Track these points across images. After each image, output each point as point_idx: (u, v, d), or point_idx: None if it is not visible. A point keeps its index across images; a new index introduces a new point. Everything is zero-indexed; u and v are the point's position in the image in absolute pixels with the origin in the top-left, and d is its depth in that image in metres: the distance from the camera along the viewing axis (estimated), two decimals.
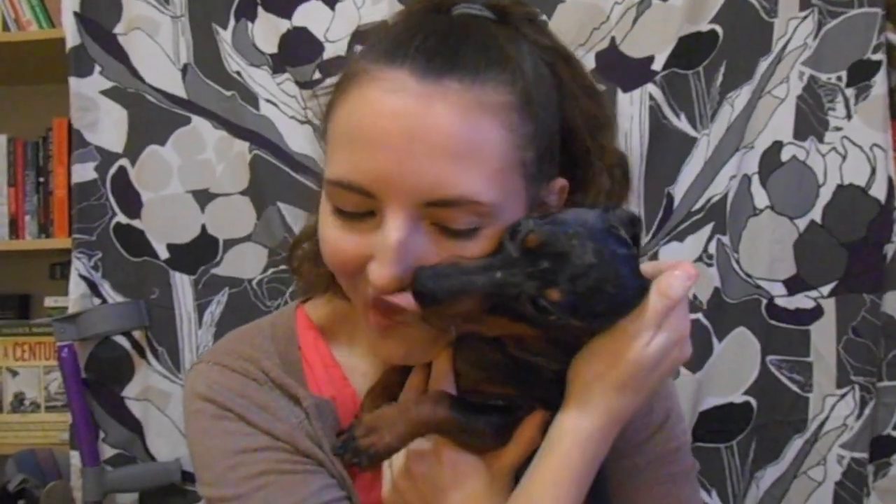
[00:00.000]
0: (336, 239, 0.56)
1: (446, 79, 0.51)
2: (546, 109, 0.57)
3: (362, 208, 0.54)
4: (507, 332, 0.54)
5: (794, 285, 1.17)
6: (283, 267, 1.22)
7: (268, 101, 1.24)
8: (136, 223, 1.26)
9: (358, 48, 0.64)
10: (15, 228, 1.41)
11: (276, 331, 0.68)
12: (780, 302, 1.17)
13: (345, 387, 0.67)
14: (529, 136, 0.54)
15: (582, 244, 0.50)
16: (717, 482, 1.17)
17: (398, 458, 0.61)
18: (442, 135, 0.51)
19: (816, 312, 1.17)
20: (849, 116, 1.17)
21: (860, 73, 1.16)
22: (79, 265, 1.25)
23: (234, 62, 1.25)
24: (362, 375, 0.66)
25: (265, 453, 0.62)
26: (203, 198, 1.26)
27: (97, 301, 1.25)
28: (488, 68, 0.53)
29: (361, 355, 0.67)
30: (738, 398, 1.17)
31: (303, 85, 1.23)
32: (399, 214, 0.52)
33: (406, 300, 0.53)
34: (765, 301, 1.18)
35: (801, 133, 1.17)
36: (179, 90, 1.26)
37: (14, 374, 1.37)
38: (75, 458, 1.22)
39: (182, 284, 1.25)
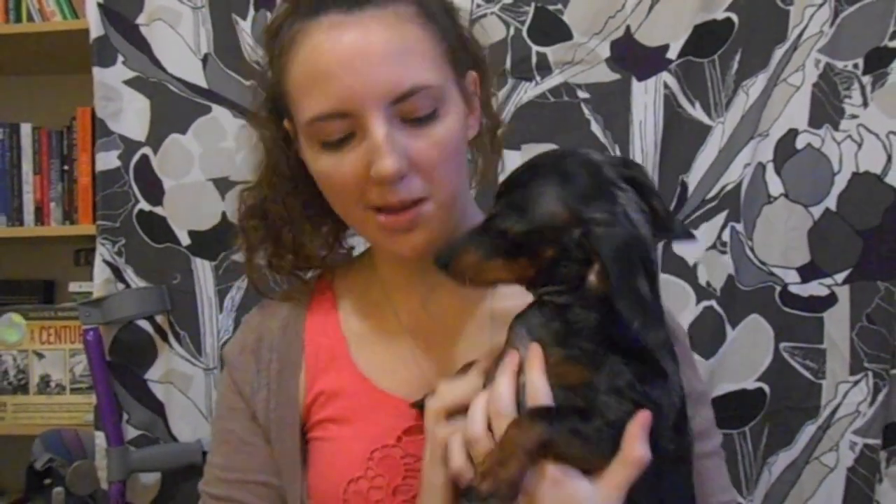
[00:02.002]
0: (332, 168, 0.66)
1: (367, 8, 0.65)
2: (446, 14, 0.71)
3: (345, 132, 0.64)
4: (512, 273, 0.60)
5: (808, 273, 1.17)
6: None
7: None
8: (158, 210, 1.29)
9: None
10: (40, 215, 1.44)
11: (291, 305, 0.78)
12: (793, 289, 1.18)
13: (346, 366, 0.74)
14: (439, 33, 0.68)
15: (524, 168, 0.60)
16: (729, 467, 1.13)
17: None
18: (382, 46, 0.64)
19: (830, 300, 1.17)
20: (865, 104, 1.17)
21: (876, 61, 1.16)
22: (103, 251, 1.28)
23: (253, 52, 1.27)
24: (367, 354, 0.74)
25: (236, 414, 0.75)
26: (223, 185, 1.28)
27: (121, 286, 1.28)
28: None
29: (362, 318, 0.76)
30: (751, 384, 1.17)
31: None
32: (376, 116, 0.63)
33: (411, 186, 0.64)
34: (778, 288, 1.18)
35: (816, 121, 1.17)
36: (200, 80, 1.28)
37: (40, 356, 1.40)
38: (100, 438, 1.25)
39: (203, 270, 1.28)
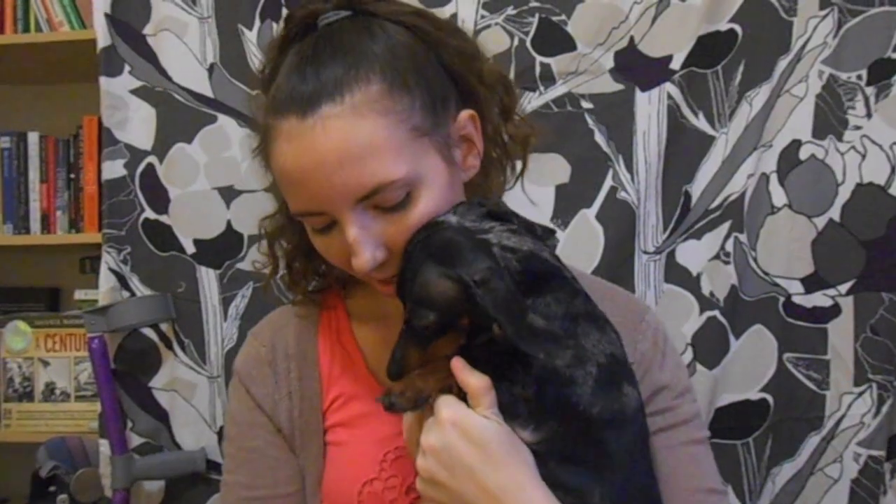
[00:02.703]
0: (323, 248, 0.70)
1: (322, 107, 0.64)
2: (419, 70, 0.68)
3: (326, 222, 0.67)
4: (454, 343, 0.65)
5: (811, 283, 1.17)
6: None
7: None
8: (163, 219, 1.29)
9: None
10: (46, 223, 1.45)
11: (303, 314, 0.81)
12: (797, 300, 1.18)
13: (360, 370, 0.77)
14: (408, 107, 0.66)
15: (405, 263, 0.65)
16: (732, 478, 1.18)
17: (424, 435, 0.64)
18: (339, 150, 0.63)
19: (834, 311, 1.17)
20: (868, 115, 1.17)
21: (880, 72, 1.16)
22: (108, 259, 1.28)
23: (259, 62, 1.28)
24: (371, 345, 0.78)
25: (257, 430, 0.77)
26: (228, 194, 1.29)
27: (126, 294, 1.28)
28: (348, 75, 0.65)
29: (373, 327, 0.79)
30: (755, 395, 1.17)
31: None
32: (347, 217, 0.65)
33: (389, 267, 0.67)
34: (782, 299, 1.18)
35: (819, 132, 1.17)
36: (206, 89, 1.29)
37: (45, 364, 1.41)
38: (104, 446, 1.25)
39: (208, 278, 1.29)
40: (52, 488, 1.28)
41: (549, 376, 0.62)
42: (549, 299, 0.63)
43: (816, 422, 1.17)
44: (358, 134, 0.63)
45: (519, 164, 0.81)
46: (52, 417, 1.39)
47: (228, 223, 1.29)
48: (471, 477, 0.61)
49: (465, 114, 0.71)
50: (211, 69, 1.29)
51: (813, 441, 1.17)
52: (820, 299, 1.17)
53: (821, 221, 1.17)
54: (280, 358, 0.78)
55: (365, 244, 0.65)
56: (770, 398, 1.17)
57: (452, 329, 0.65)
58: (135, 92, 1.29)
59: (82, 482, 1.25)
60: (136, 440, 1.28)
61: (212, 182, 1.29)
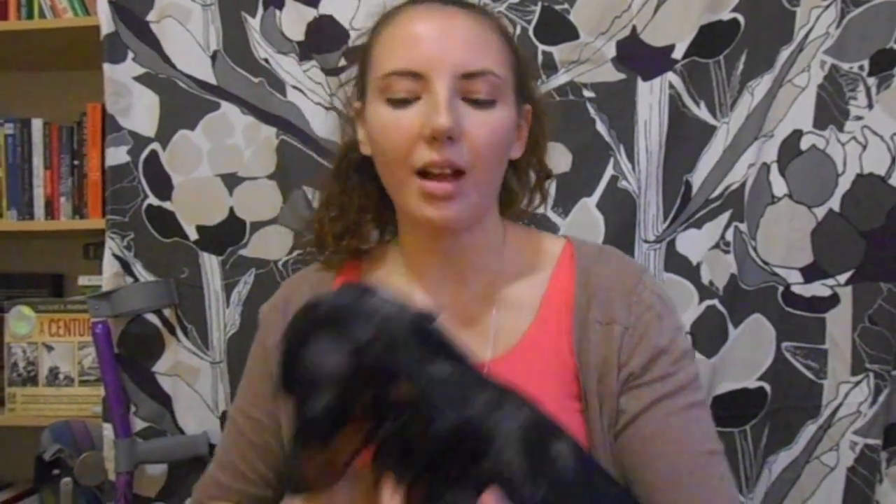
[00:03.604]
0: (391, 122, 0.74)
1: (459, 8, 0.77)
2: (513, 53, 0.80)
3: (410, 94, 0.73)
4: (358, 434, 0.57)
5: (810, 273, 1.18)
6: (308, 249, 1.25)
7: (294, 87, 1.27)
8: (166, 205, 1.30)
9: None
10: (50, 210, 1.46)
11: (319, 278, 0.88)
12: (796, 289, 1.18)
13: None
14: (511, 56, 0.79)
15: (284, 357, 0.61)
16: (729, 466, 1.18)
17: None
18: (465, 32, 0.75)
19: (833, 300, 1.17)
20: (870, 106, 1.17)
21: (882, 63, 1.16)
22: (112, 245, 1.29)
23: (262, 49, 1.28)
24: None
25: (264, 380, 0.84)
26: (231, 181, 1.29)
27: (129, 280, 1.29)
28: (483, 12, 0.81)
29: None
30: (753, 384, 1.18)
31: (328, 72, 1.26)
32: (443, 83, 0.72)
33: (457, 152, 0.72)
34: (781, 288, 1.18)
35: (821, 122, 1.17)
36: (209, 76, 1.29)
37: (49, 349, 1.42)
38: (108, 430, 1.26)
39: (210, 265, 1.29)
40: (55, 471, 1.29)
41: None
42: (446, 364, 0.58)
43: (813, 410, 1.17)
44: (485, 32, 0.76)
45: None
46: (56, 401, 1.41)
47: (231, 210, 1.29)
48: None
49: (527, 107, 0.83)
50: (214, 56, 1.29)
51: (810, 429, 1.17)
52: (819, 289, 1.18)
53: (821, 211, 1.18)
54: (291, 308, 0.80)
55: (452, 108, 0.71)
56: (768, 387, 1.18)
57: (352, 415, 0.56)
58: (138, 79, 1.30)
59: (86, 465, 1.27)
60: (139, 424, 1.29)
61: (214, 169, 1.29)
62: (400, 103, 0.73)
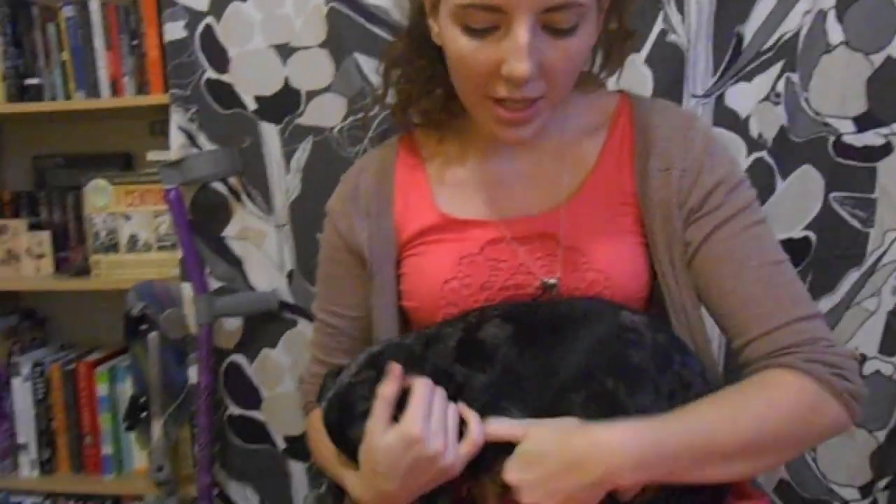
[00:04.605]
0: (469, 52, 0.72)
1: None
2: None
3: (489, 24, 0.70)
4: None
5: (864, 122, 1.17)
6: (361, 115, 1.30)
7: None
8: (224, 77, 1.35)
9: None
10: (115, 89, 1.52)
11: (381, 158, 0.91)
12: (847, 139, 1.18)
13: (430, 208, 0.86)
14: None
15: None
16: None
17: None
18: None
19: (886, 149, 1.17)
20: None
21: None
22: (177, 118, 1.36)
23: None
24: (448, 197, 0.86)
25: (338, 261, 0.91)
26: (284, 51, 1.32)
27: (195, 151, 1.36)
28: None
29: (450, 182, 0.87)
30: (798, 233, 1.20)
31: None
32: (524, 21, 0.68)
33: (534, 88, 0.71)
34: (832, 138, 1.18)
35: None
36: None
37: (127, 218, 1.52)
38: (187, 288, 1.37)
39: (270, 133, 1.35)
40: (143, 327, 1.40)
41: None
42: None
43: (858, 258, 1.20)
44: None
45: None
46: (136, 266, 1.51)
47: (286, 80, 1.33)
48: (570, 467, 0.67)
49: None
50: None
51: (853, 276, 1.20)
52: (871, 138, 1.17)
53: (878, 58, 1.15)
54: (360, 196, 0.89)
55: (531, 53, 0.69)
56: (813, 235, 1.20)
57: None
58: None
59: (170, 320, 1.38)
60: (214, 284, 1.39)
61: (268, 40, 1.33)
62: (478, 32, 0.71)
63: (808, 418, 0.70)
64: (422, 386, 0.71)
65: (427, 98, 0.87)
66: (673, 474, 0.68)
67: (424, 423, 0.69)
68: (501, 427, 0.71)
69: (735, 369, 0.77)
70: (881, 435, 1.22)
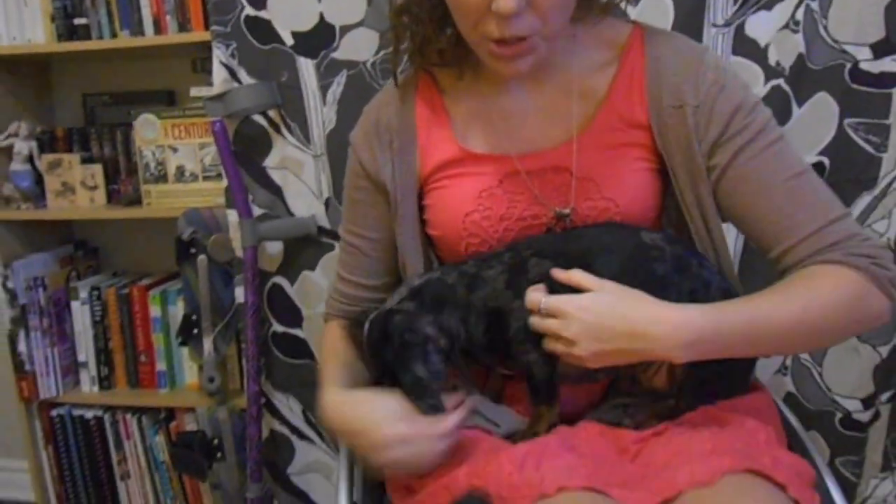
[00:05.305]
0: None
1: None
2: None
3: None
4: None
5: (881, 49, 1.20)
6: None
7: None
8: (262, 14, 1.41)
9: None
10: (158, 27, 1.60)
11: (401, 93, 0.95)
12: (864, 66, 1.21)
13: (451, 142, 0.91)
14: None
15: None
16: None
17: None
18: None
19: None
20: None
21: None
22: (219, 53, 1.43)
23: None
24: (466, 132, 0.91)
25: (360, 188, 0.97)
26: None
27: (236, 85, 1.44)
28: None
29: (461, 100, 0.92)
30: (812, 158, 1.25)
31: None
32: None
33: (524, 24, 0.75)
34: (849, 65, 1.22)
35: None
36: None
37: (174, 150, 1.62)
38: (232, 214, 1.47)
39: (307, 68, 1.42)
40: (192, 251, 1.51)
41: None
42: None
43: (870, 182, 1.24)
44: None
45: None
46: (184, 195, 1.62)
47: (321, 15, 1.39)
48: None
49: None
50: None
51: (865, 200, 1.25)
52: (888, 65, 1.20)
53: None
54: (382, 130, 0.95)
55: None
56: (827, 160, 1.25)
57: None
58: None
59: (217, 244, 1.48)
60: (256, 211, 1.49)
61: None
62: None
63: (854, 305, 0.76)
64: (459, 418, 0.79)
65: (440, 38, 0.90)
66: (724, 353, 0.75)
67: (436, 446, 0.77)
68: (577, 275, 0.79)
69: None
70: (885, 350, 1.29)
